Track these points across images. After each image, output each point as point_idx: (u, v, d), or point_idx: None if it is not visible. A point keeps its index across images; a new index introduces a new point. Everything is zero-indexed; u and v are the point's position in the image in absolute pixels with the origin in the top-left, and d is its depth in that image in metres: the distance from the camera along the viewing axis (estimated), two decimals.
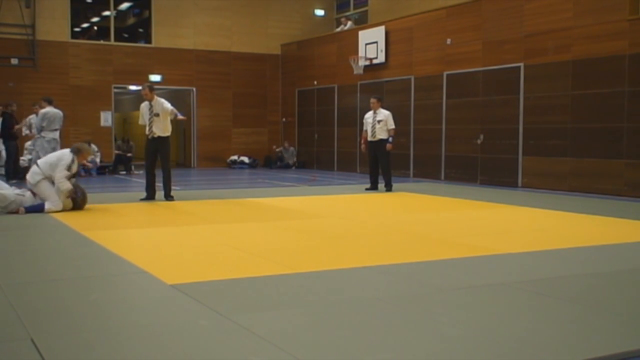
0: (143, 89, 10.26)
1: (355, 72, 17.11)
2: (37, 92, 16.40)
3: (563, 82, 12.24)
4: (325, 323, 3.80)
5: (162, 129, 10.12)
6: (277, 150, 20.19)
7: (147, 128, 10.11)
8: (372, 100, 12.15)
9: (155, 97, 10.19)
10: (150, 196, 10.21)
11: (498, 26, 13.56)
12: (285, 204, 9.93)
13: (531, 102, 12.84)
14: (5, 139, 14.62)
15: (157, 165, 10.32)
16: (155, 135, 10.10)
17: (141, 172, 16.97)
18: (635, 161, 11.16)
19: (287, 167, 19.84)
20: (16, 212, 8.33)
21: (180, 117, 10.33)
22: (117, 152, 17.88)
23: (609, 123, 11.52)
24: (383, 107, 12.20)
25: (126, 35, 21.32)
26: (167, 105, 10.13)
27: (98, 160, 16.86)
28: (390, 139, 11.93)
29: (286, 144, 20.23)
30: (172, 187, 10.38)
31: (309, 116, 19.74)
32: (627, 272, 5.26)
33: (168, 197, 10.20)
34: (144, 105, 10.17)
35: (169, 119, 10.14)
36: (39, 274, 5.12)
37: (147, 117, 10.09)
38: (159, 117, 10.05)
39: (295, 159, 20.12)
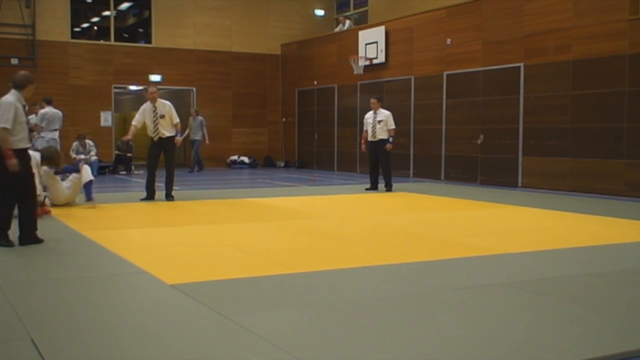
0: (149, 89, 10.17)
1: (355, 72, 17.11)
2: (37, 92, 16.08)
3: (563, 82, 12.24)
4: (325, 323, 3.80)
5: (169, 129, 10.11)
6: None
7: (152, 130, 10.05)
8: (372, 100, 12.14)
9: (158, 99, 10.18)
10: (150, 196, 10.20)
11: (498, 26, 13.55)
12: (285, 204, 9.93)
13: (531, 102, 12.84)
14: None
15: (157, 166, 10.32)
16: (163, 136, 10.06)
17: (141, 172, 16.97)
18: (635, 161, 11.15)
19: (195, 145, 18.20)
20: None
21: (179, 137, 10.30)
22: (117, 152, 17.87)
23: (609, 123, 11.52)
24: (383, 107, 12.20)
25: (126, 35, 21.32)
26: (174, 113, 10.16)
27: (94, 153, 16.58)
28: (391, 139, 11.92)
29: (194, 111, 18.09)
30: (173, 187, 10.37)
31: (309, 116, 19.74)
32: (627, 272, 5.26)
33: (169, 197, 10.19)
34: (147, 108, 10.05)
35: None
36: (39, 274, 5.12)
37: (150, 119, 10.02)
38: (164, 118, 10.03)
39: (203, 135, 17.72)
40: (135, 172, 17.13)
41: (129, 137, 10.58)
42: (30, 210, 6.32)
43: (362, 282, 4.85)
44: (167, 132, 10.06)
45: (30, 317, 3.84)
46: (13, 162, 6.04)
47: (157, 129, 10.01)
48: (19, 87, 6.36)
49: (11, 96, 6.27)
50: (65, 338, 3.49)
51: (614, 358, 3.30)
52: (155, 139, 10.08)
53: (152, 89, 10.17)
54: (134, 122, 10.18)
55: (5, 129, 6.05)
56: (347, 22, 19.19)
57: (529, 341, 3.49)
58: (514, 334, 3.60)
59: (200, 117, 18.12)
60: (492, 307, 4.17)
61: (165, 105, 10.08)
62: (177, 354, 3.26)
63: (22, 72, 6.60)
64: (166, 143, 10.12)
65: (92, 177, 9.34)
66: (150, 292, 4.58)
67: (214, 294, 4.40)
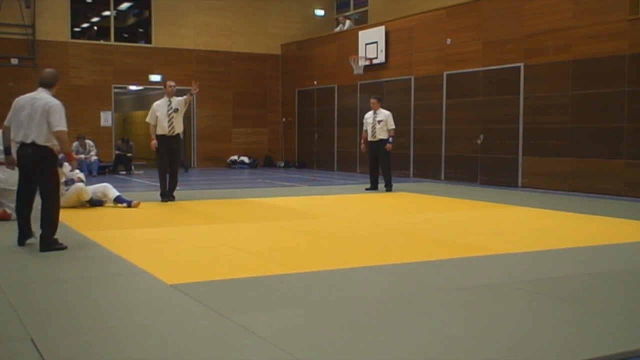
0: (169, 82, 10.26)
1: (355, 72, 17.11)
2: None
3: (563, 82, 12.24)
4: (325, 323, 3.80)
5: (181, 125, 10.17)
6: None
7: (167, 125, 9.98)
8: (372, 100, 12.15)
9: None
10: (166, 196, 10.13)
11: (498, 26, 13.55)
12: (285, 204, 9.93)
13: (531, 102, 12.84)
14: None
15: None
16: (174, 133, 10.08)
17: (142, 172, 16.98)
18: (635, 161, 11.15)
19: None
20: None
21: (192, 93, 10.15)
22: (117, 152, 17.87)
23: (609, 123, 11.52)
24: (383, 107, 12.21)
25: (126, 35, 21.31)
26: (180, 98, 10.17)
27: (94, 153, 16.58)
28: (391, 139, 11.93)
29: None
30: (175, 187, 10.34)
31: (309, 116, 19.74)
32: (627, 272, 5.26)
33: (170, 196, 10.17)
34: (161, 103, 10.06)
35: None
36: (39, 274, 5.12)
37: (164, 113, 9.97)
38: (177, 112, 10.06)
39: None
40: (135, 172, 17.11)
41: (154, 142, 10.00)
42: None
43: (362, 282, 4.85)
44: (178, 129, 10.11)
45: (30, 317, 3.84)
46: (75, 163, 5.99)
47: (171, 123, 10.00)
48: (48, 85, 6.15)
49: (51, 96, 6.09)
50: (65, 338, 3.49)
51: (614, 358, 3.30)
52: (169, 133, 10.01)
53: (171, 82, 10.30)
54: (151, 122, 10.09)
55: (64, 131, 5.97)
56: (347, 22, 19.19)
57: (529, 341, 3.49)
58: (514, 334, 3.60)
59: None
60: (492, 307, 4.17)
61: (180, 101, 10.13)
62: (177, 354, 3.26)
63: (50, 70, 6.33)
64: (175, 141, 10.14)
65: (117, 193, 9.34)
66: (150, 292, 4.58)
67: (214, 294, 4.40)
